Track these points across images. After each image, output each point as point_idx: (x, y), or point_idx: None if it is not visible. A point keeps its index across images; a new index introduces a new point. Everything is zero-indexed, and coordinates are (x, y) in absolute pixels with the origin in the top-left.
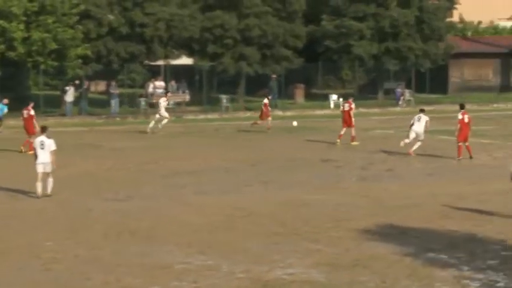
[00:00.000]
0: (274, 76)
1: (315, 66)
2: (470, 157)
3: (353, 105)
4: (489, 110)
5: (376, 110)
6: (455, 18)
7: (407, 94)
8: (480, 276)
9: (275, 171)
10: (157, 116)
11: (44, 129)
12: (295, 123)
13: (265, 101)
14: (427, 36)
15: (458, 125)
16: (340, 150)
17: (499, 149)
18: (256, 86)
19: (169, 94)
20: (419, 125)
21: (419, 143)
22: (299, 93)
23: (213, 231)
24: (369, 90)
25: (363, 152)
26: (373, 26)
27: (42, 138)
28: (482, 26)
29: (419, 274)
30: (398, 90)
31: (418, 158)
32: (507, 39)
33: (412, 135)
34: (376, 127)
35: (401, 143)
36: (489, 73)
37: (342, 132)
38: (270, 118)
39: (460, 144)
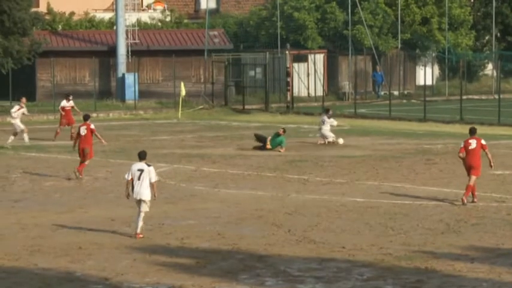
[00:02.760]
0: None
1: None
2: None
3: None
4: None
5: None
6: (42, 8)
7: None
8: None
9: None
10: None
11: None
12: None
13: (64, 103)
14: (9, 30)
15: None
16: None
17: (101, 167)
18: None
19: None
20: None
21: None
22: None
23: None
24: None
25: None
26: None
27: None
28: (76, 18)
29: None
30: None
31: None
32: (106, 35)
33: None
34: None
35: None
36: (86, 75)
37: None
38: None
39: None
